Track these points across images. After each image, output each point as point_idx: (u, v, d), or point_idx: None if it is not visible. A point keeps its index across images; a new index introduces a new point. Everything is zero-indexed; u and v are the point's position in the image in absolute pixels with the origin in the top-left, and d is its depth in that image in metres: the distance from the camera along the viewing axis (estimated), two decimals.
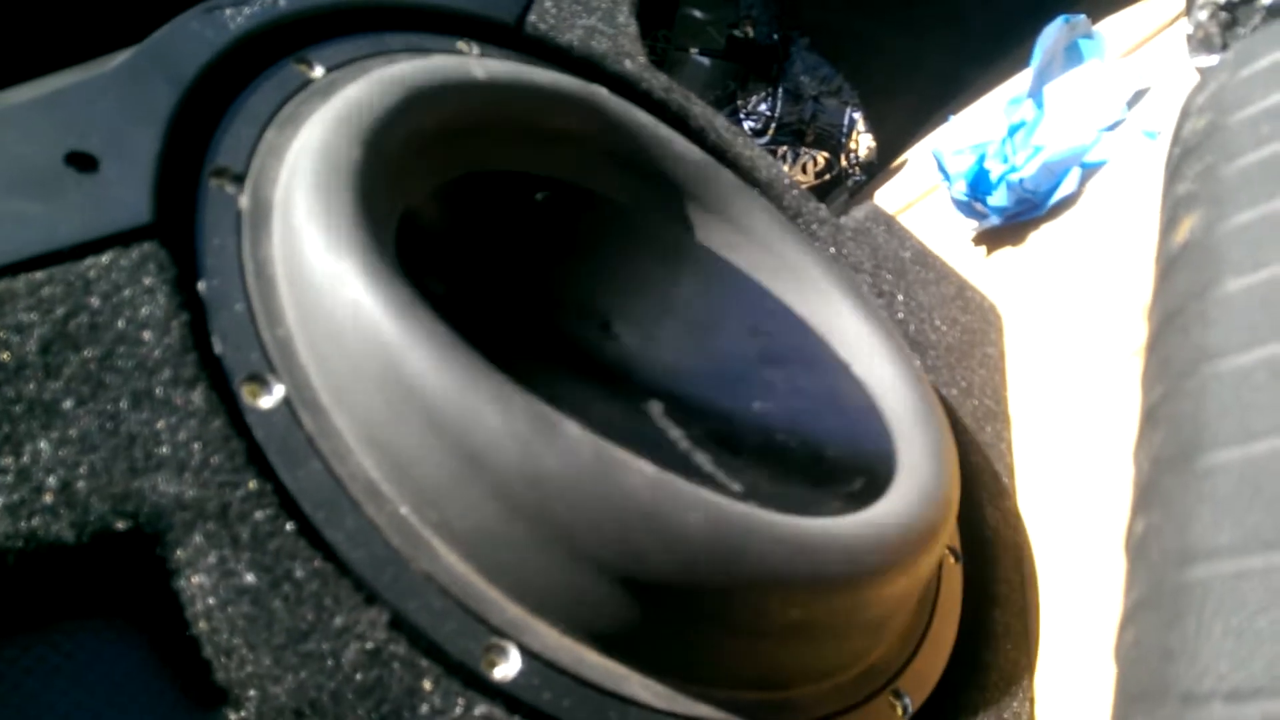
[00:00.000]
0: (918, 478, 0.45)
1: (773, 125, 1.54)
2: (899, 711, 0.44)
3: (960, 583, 0.54)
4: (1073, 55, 0.94)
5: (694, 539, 0.33)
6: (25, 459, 0.27)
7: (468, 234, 0.52)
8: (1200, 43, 0.60)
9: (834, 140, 1.52)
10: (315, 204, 0.38)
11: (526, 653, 0.33)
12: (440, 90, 0.47)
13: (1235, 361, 0.33)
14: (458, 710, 0.30)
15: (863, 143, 1.53)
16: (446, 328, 0.34)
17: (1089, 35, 0.95)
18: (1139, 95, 0.90)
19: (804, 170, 1.57)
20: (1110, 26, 1.07)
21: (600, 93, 0.59)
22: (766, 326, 0.57)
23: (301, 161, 0.41)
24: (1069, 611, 0.55)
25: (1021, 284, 0.89)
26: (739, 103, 1.55)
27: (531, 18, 0.66)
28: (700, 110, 0.72)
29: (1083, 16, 0.95)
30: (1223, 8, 0.55)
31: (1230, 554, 0.29)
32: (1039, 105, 0.91)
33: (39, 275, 0.31)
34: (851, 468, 0.47)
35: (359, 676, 0.29)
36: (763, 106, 1.55)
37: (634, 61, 0.70)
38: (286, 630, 0.29)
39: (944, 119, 1.43)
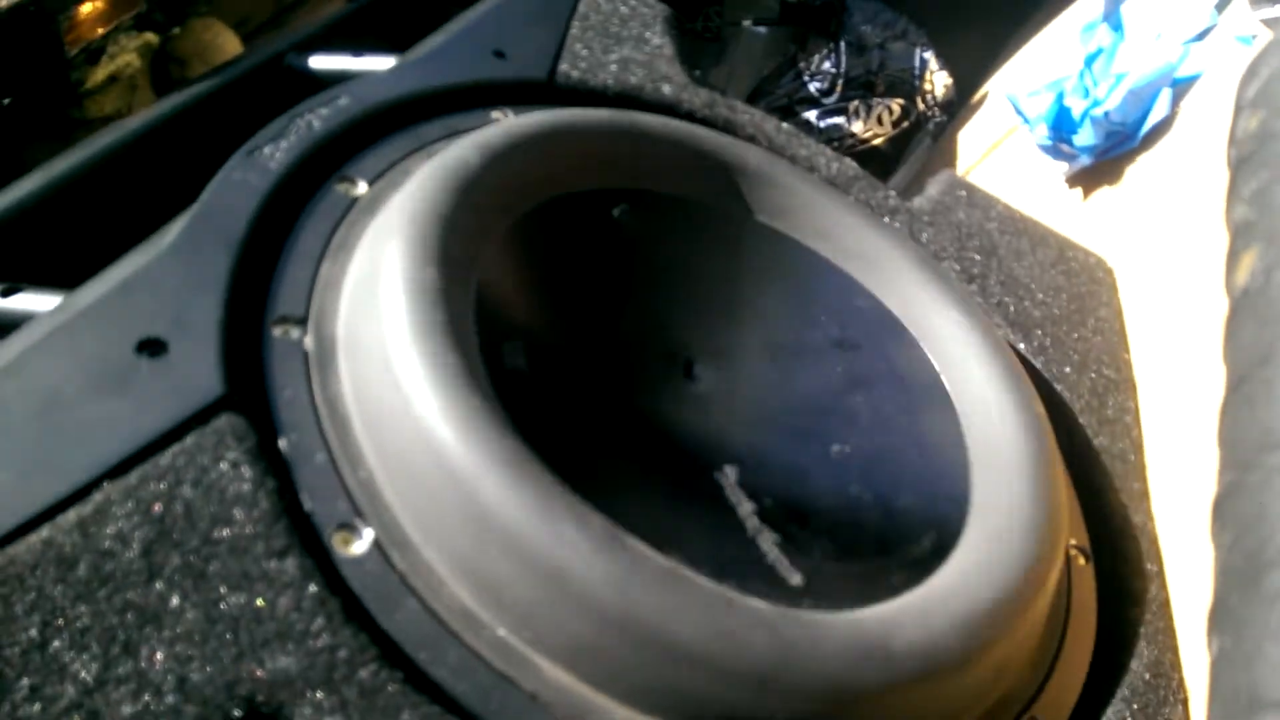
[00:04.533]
0: (988, 534, 0.43)
1: (840, 82, 1.48)
2: None
3: (1093, 585, 0.51)
4: None
5: (762, 659, 0.33)
6: (143, 663, 0.30)
7: (546, 275, 0.52)
8: None
9: (907, 85, 1.45)
10: (375, 333, 0.39)
11: None
12: (485, 167, 0.48)
13: None
14: None
15: (938, 82, 1.45)
16: (519, 445, 0.35)
17: None
18: None
19: (879, 121, 1.50)
20: None
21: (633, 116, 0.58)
22: (854, 334, 0.55)
23: (359, 288, 0.43)
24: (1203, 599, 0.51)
25: (1126, 229, 0.82)
26: (801, 65, 1.50)
27: (563, 67, 0.65)
28: (748, 118, 0.70)
29: None
30: None
31: None
32: (1115, 28, 0.84)
33: (132, 478, 0.33)
34: (922, 521, 0.45)
35: None
36: (827, 64, 1.49)
37: (672, 84, 0.69)
38: None
39: (1020, 43, 1.34)
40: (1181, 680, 0.49)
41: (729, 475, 0.43)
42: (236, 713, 0.30)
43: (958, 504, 0.45)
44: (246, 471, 0.35)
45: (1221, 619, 0.33)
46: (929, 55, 1.46)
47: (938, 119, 1.43)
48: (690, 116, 0.67)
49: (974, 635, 0.38)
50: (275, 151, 0.48)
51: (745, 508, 0.42)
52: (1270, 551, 0.29)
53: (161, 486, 0.34)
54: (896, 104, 1.45)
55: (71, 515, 0.32)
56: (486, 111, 0.59)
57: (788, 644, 0.34)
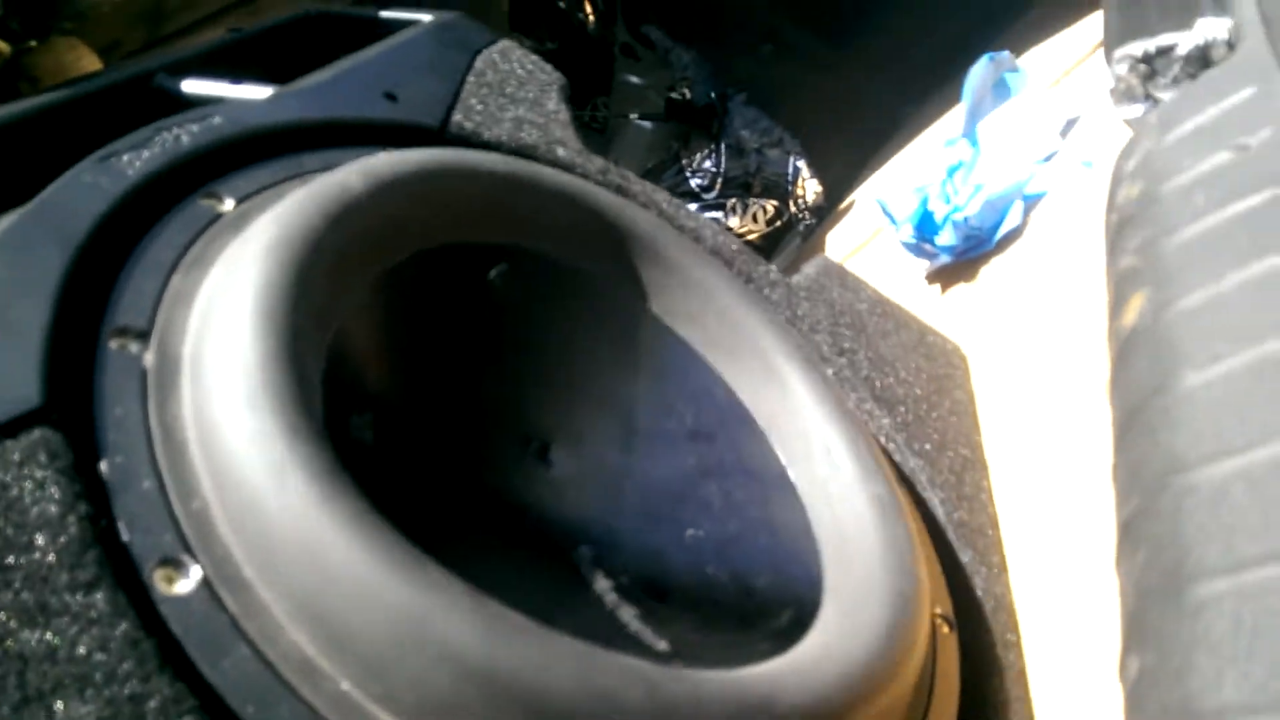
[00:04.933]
0: (844, 608, 0.42)
1: (719, 180, 1.54)
2: None
3: (956, 653, 0.51)
4: (1001, 91, 0.94)
5: (638, 711, 0.31)
6: None
7: (409, 332, 0.49)
8: (1123, 94, 0.61)
9: (781, 188, 1.52)
10: (228, 353, 0.36)
11: None
12: (368, 197, 0.45)
13: (1208, 473, 0.31)
14: None
15: (809, 188, 1.53)
16: (365, 504, 0.32)
17: (1014, 69, 0.96)
18: (1070, 124, 0.91)
19: (755, 219, 1.57)
20: (1034, 60, 1.08)
21: (531, 166, 0.57)
22: (709, 424, 0.55)
23: (213, 305, 0.39)
24: (1063, 669, 0.53)
25: (979, 321, 0.88)
26: (684, 162, 1.56)
27: (457, 117, 0.64)
28: (640, 188, 0.71)
29: (1006, 53, 0.96)
30: (1141, 60, 0.55)
31: (1239, 715, 0.27)
32: (974, 144, 0.92)
33: None
34: (780, 599, 0.45)
35: None
36: (707, 163, 1.55)
37: (566, 149, 0.69)
38: None
39: (885, 157, 1.44)
40: None
41: (585, 554, 0.42)
42: None
43: (812, 584, 0.45)
44: (55, 492, 0.30)
45: (1140, 637, 0.33)
46: (801, 164, 1.55)
47: (808, 221, 1.51)
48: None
49: (853, 693, 0.36)
50: (135, 159, 0.45)
51: (602, 584, 0.41)
52: (1189, 566, 0.30)
53: None
54: (771, 204, 1.52)
55: None
56: (372, 151, 0.57)
57: (668, 701, 0.32)
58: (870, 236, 1.19)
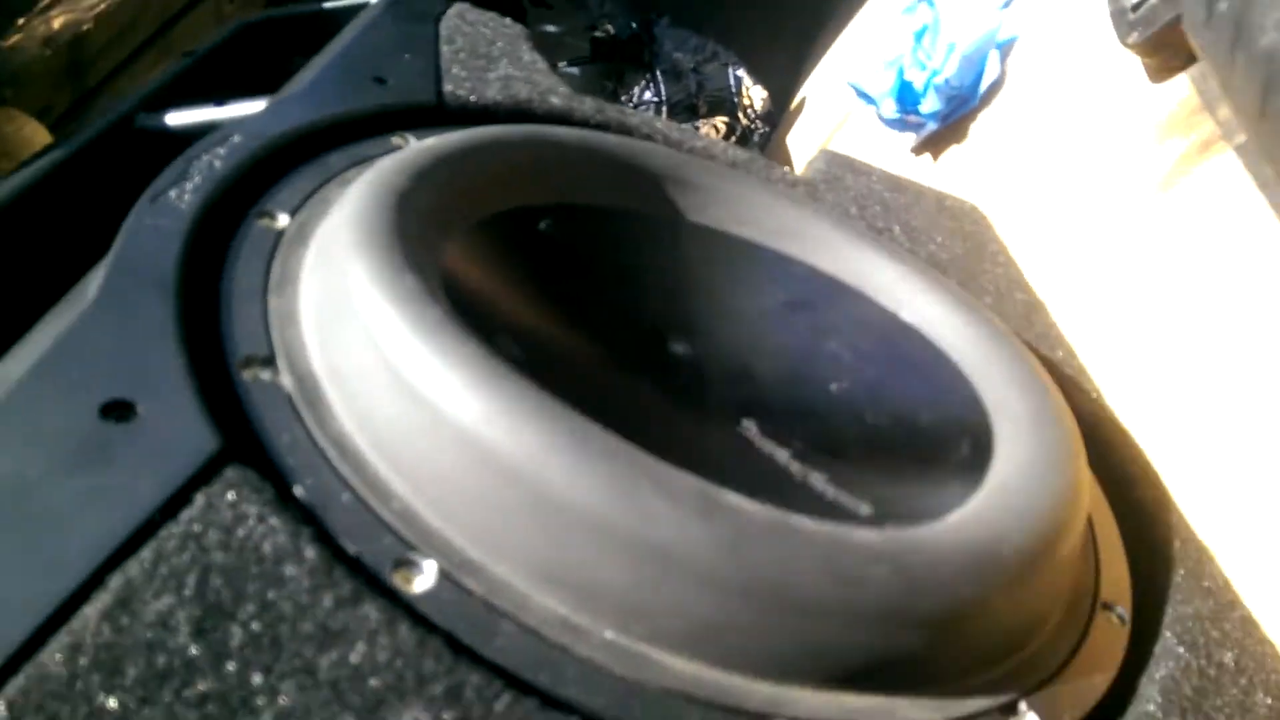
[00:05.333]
0: (1020, 425, 0.43)
1: (663, 108, 1.52)
2: (1116, 620, 0.44)
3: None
4: None
5: (884, 591, 0.32)
6: None
7: (495, 285, 0.49)
8: None
9: (727, 103, 1.51)
10: (373, 361, 0.35)
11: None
12: (415, 187, 0.44)
13: None
14: None
15: (755, 96, 1.52)
16: (579, 423, 0.32)
17: None
18: None
19: None
20: None
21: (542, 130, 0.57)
22: (804, 295, 0.55)
23: (329, 323, 0.38)
24: None
25: (982, 179, 0.89)
26: (623, 99, 1.53)
27: (448, 88, 0.62)
28: (639, 120, 0.70)
29: None
30: None
31: None
32: (930, 4, 0.91)
33: (145, 555, 0.27)
34: (951, 430, 0.45)
35: None
36: (648, 94, 1.53)
37: (558, 95, 0.67)
38: None
39: (823, 48, 1.43)
40: (1195, 539, 0.51)
41: (751, 428, 0.41)
42: None
43: (974, 406, 0.45)
44: (276, 522, 0.30)
45: None
46: (741, 73, 1.54)
47: (761, 130, 1.50)
48: (585, 123, 0.66)
49: (1059, 519, 0.37)
50: (182, 194, 0.43)
51: (781, 454, 0.40)
52: None
53: (186, 557, 0.28)
54: (721, 121, 1.51)
55: (91, 610, 0.25)
56: (386, 138, 0.55)
57: (911, 574, 0.33)
58: (837, 126, 1.19)
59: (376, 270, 0.37)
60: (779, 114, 1.50)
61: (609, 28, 1.59)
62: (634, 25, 1.59)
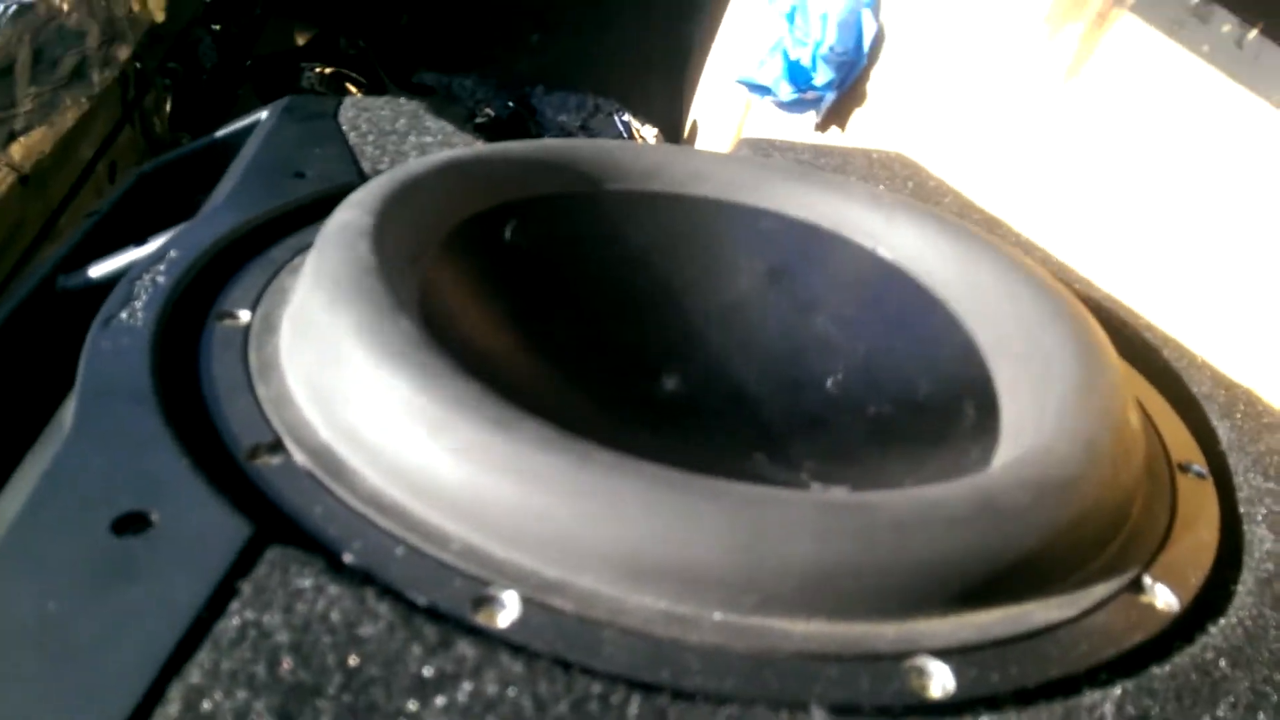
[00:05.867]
0: (1029, 368, 0.43)
1: None
2: (1196, 478, 0.43)
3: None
4: None
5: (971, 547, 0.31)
6: None
7: (465, 310, 0.47)
8: None
9: None
10: (392, 406, 0.33)
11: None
12: (376, 225, 0.43)
13: None
14: None
15: (647, 135, 1.55)
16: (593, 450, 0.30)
17: None
18: None
19: None
20: None
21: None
22: (781, 256, 0.54)
23: (323, 399, 0.36)
24: None
25: (893, 132, 0.90)
26: None
27: (367, 166, 0.61)
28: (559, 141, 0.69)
29: None
30: None
31: None
32: None
33: (202, 656, 0.24)
34: (952, 396, 0.44)
35: None
36: None
37: (478, 149, 0.67)
38: None
39: (698, 75, 1.46)
40: (1237, 385, 0.51)
41: (762, 462, 0.41)
42: None
43: (969, 358, 0.45)
44: (336, 590, 0.27)
45: None
46: (628, 117, 1.56)
47: None
48: None
49: (1108, 389, 0.37)
50: (133, 314, 0.40)
51: (799, 480, 0.40)
52: None
53: (248, 646, 0.25)
54: None
55: None
56: (322, 224, 0.54)
57: (1000, 479, 0.31)
58: (738, 128, 1.22)
59: (370, 322, 0.35)
60: (676, 143, 1.52)
61: (489, 111, 1.61)
62: (510, 104, 1.61)
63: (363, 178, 0.60)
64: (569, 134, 1.59)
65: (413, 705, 0.24)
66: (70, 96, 1.04)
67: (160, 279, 0.43)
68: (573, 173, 0.54)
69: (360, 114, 0.71)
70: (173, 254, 0.46)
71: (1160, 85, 0.59)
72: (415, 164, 0.50)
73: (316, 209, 0.55)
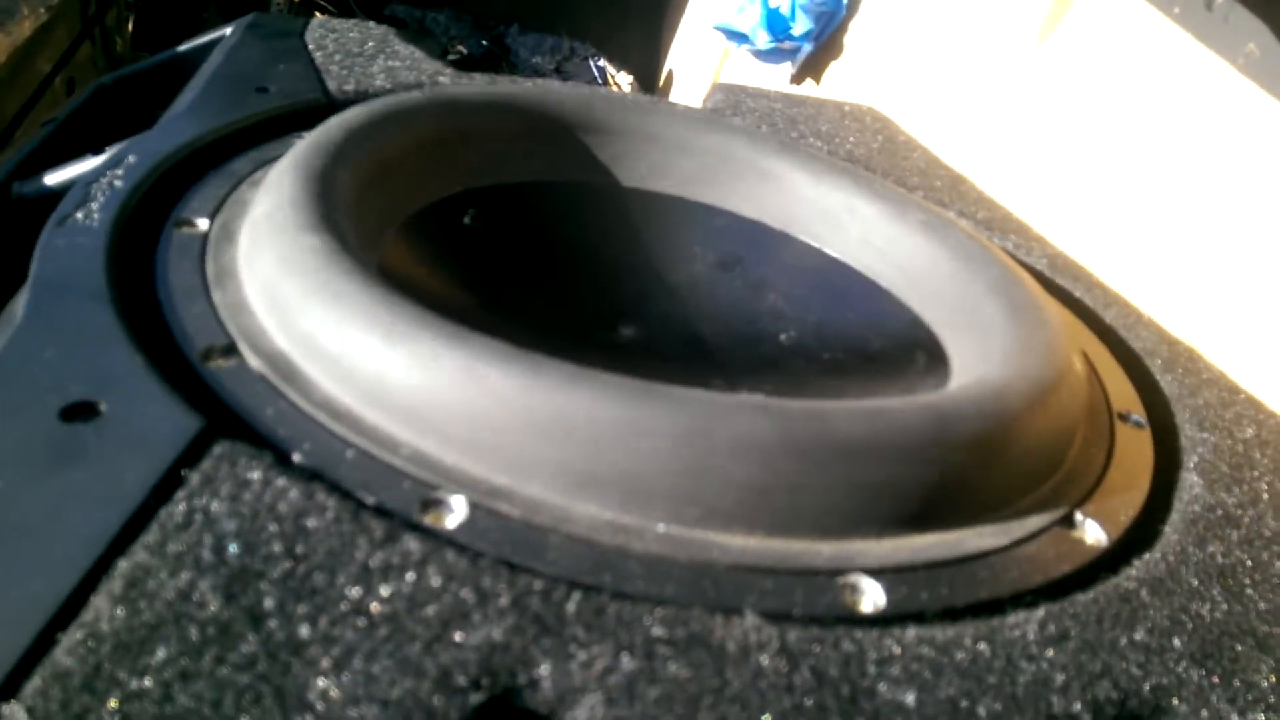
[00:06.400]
0: (963, 317, 0.44)
1: None
2: (1134, 426, 0.44)
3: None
4: None
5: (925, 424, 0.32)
6: (318, 707, 0.21)
7: (425, 279, 0.47)
8: None
9: None
10: (350, 333, 0.33)
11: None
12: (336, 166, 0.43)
13: None
14: None
15: (622, 82, 1.53)
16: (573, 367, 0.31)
17: None
18: None
19: None
20: None
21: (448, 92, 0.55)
22: (731, 250, 0.55)
23: (279, 306, 0.36)
24: None
25: (867, 86, 0.90)
26: None
27: (332, 85, 0.60)
28: (532, 84, 0.68)
29: None
30: None
31: None
32: None
33: (149, 537, 0.24)
34: (903, 348, 0.46)
35: None
36: None
37: (445, 75, 0.66)
38: None
39: (674, 27, 1.45)
40: (1180, 342, 0.52)
41: (720, 385, 0.42)
42: (474, 699, 0.22)
43: (915, 323, 0.46)
44: (284, 483, 0.27)
45: None
46: (603, 63, 1.54)
47: None
48: None
49: (1049, 343, 0.38)
50: (89, 214, 0.39)
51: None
52: None
53: (194, 530, 0.25)
54: None
55: (102, 600, 0.22)
56: (285, 139, 0.53)
57: (940, 404, 0.32)
58: (714, 75, 1.21)
59: (329, 239, 0.35)
60: (650, 91, 1.51)
61: (461, 48, 1.58)
62: (485, 42, 1.58)
63: (328, 96, 0.59)
64: (543, 75, 1.56)
65: (355, 591, 0.24)
66: (28, 5, 1.00)
67: (118, 183, 0.42)
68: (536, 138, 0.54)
69: (328, 35, 0.70)
70: (131, 159, 0.45)
71: (1130, 46, 0.60)
72: (403, 96, 0.49)
73: (279, 123, 0.54)
